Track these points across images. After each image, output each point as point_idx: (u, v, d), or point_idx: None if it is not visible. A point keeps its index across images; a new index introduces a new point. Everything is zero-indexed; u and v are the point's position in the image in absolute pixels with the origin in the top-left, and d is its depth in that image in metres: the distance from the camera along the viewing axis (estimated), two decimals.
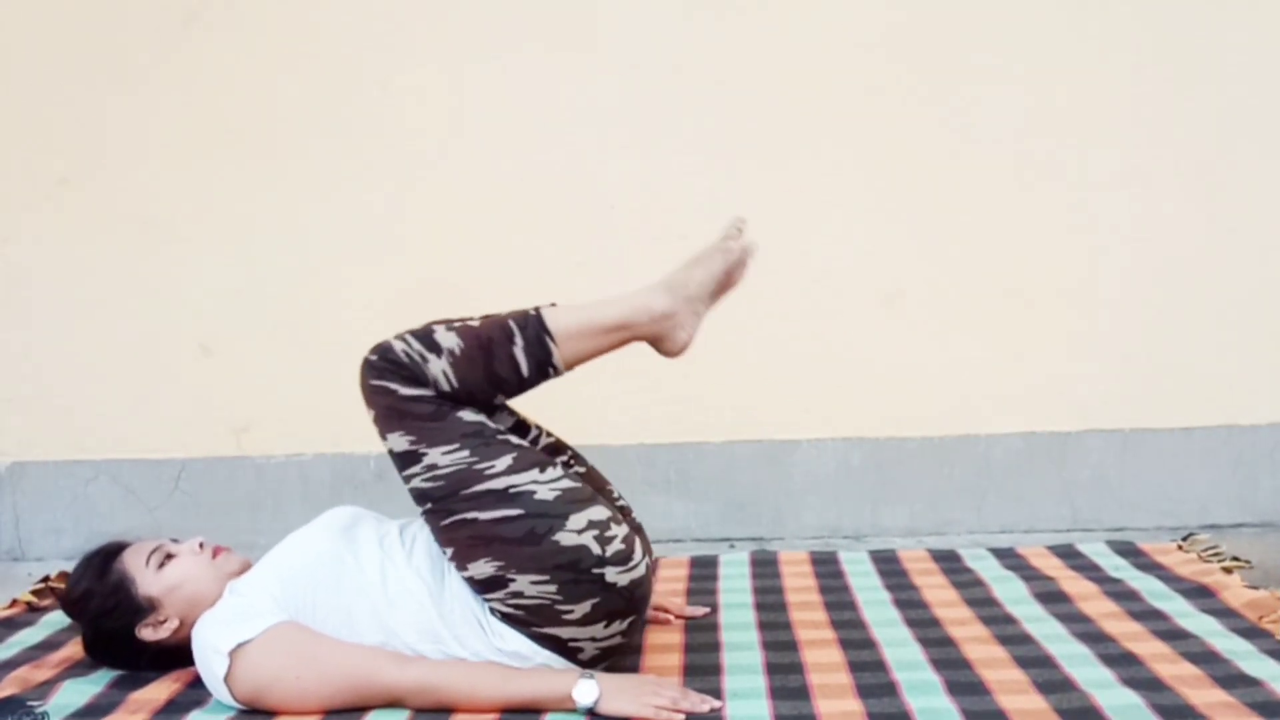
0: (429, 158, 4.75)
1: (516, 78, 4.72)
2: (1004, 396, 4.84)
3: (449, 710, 2.99)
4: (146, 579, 3.20)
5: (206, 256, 4.69)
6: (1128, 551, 4.35)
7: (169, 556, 3.26)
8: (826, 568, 4.28)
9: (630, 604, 3.10)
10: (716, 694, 3.00)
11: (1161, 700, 2.94)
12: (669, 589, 4.05)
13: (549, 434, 3.46)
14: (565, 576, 2.99)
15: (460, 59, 4.74)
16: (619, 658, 3.21)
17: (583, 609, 3.02)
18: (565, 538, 3.00)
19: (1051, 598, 3.84)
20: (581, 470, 3.41)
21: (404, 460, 3.10)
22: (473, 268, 4.74)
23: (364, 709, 3.02)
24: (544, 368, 3.19)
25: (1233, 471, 4.82)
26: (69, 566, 4.33)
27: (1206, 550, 4.27)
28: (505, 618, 3.05)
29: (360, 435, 4.71)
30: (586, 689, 2.94)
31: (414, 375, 3.06)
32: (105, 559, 3.27)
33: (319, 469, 4.77)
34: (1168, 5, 4.71)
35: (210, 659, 3.01)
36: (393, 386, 3.07)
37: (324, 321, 4.66)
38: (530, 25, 4.72)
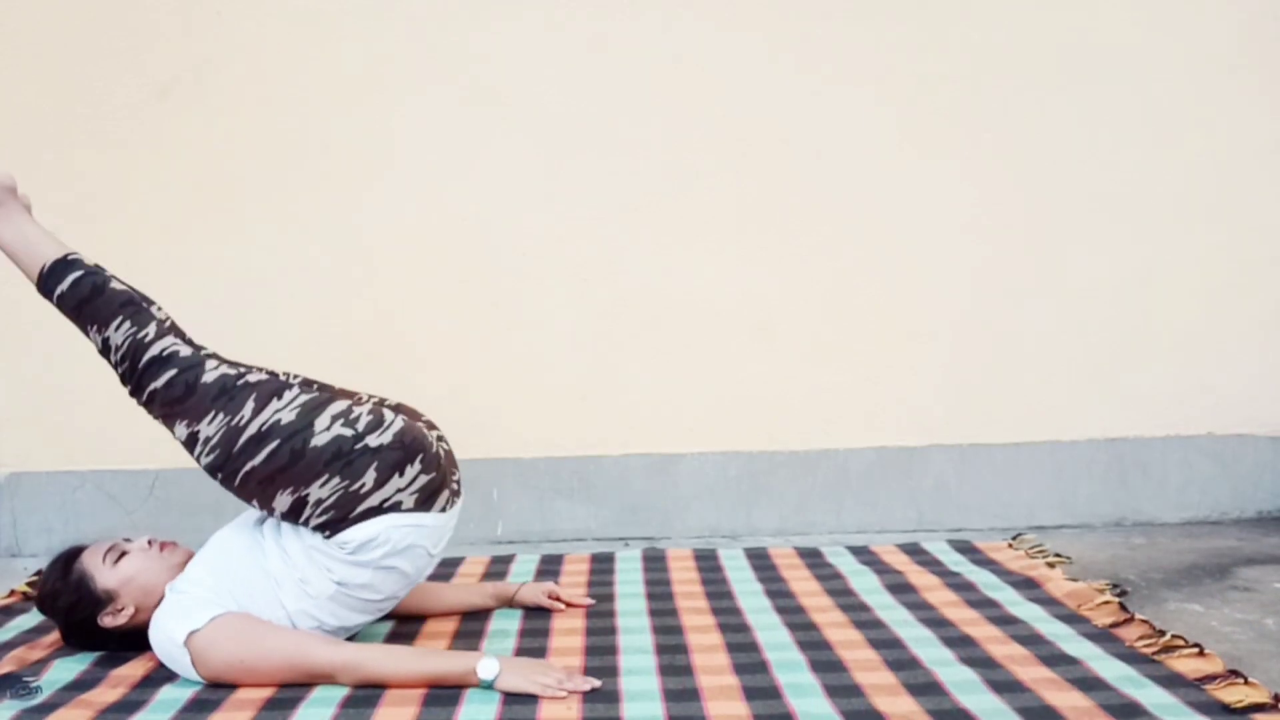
0: (363, 210, 4.73)
1: (440, 140, 4.71)
2: (859, 416, 4.86)
3: (376, 685, 2.98)
4: (103, 574, 3.20)
5: (176, 295, 4.64)
6: (965, 549, 4.36)
7: (122, 554, 3.26)
8: (708, 563, 4.27)
9: (406, 449, 3.12)
10: (614, 693, 2.96)
11: (994, 677, 2.96)
12: (574, 581, 4.03)
13: (285, 372, 3.39)
14: (339, 464, 3.04)
15: (390, 124, 4.73)
16: (447, 496, 3.23)
17: (370, 476, 3.06)
18: (319, 439, 3.06)
19: (900, 589, 3.85)
20: (317, 383, 3.37)
21: (188, 445, 3.16)
22: (403, 307, 4.72)
23: (311, 684, 3.02)
24: (79, 270, 3.28)
25: (1055, 480, 4.86)
26: None
27: (1033, 548, 4.29)
28: (327, 526, 3.08)
29: None
30: (488, 666, 2.95)
31: (136, 350, 3.19)
32: (66, 561, 3.27)
33: None
34: (1004, 78, 4.75)
35: (172, 653, 3.05)
36: (149, 386, 3.17)
37: (276, 352, 4.63)
38: (454, 98, 4.71)
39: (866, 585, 3.91)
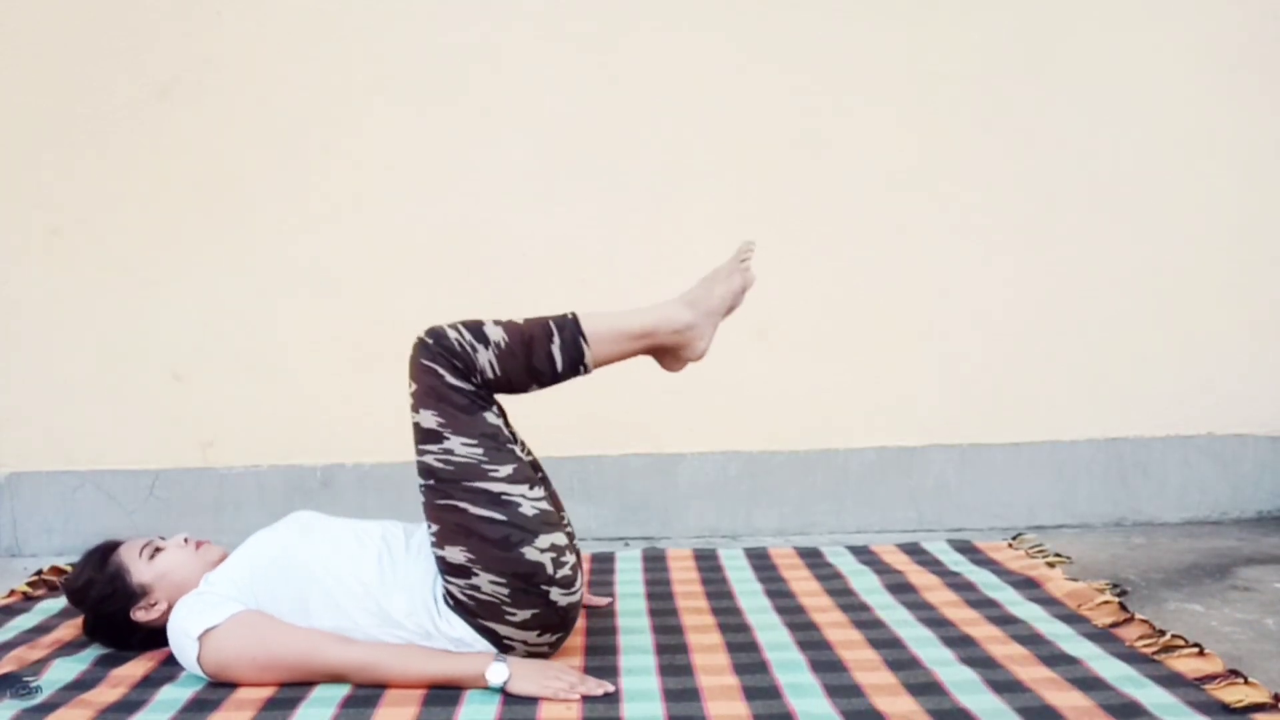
0: (363, 209, 4.72)
1: (440, 140, 4.71)
2: (860, 416, 4.86)
3: (384, 686, 2.99)
4: (139, 568, 3.23)
5: (177, 296, 4.66)
6: (965, 549, 4.36)
7: (158, 550, 3.29)
8: (708, 563, 4.27)
9: (563, 623, 3.12)
10: (614, 693, 2.95)
11: (994, 676, 2.96)
12: None
13: (529, 452, 3.42)
14: (519, 585, 3.01)
15: (390, 123, 4.72)
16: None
17: (524, 615, 3.03)
18: (530, 553, 3.01)
19: (900, 588, 3.85)
20: (550, 493, 3.38)
21: (426, 436, 3.09)
22: (402, 306, 4.71)
23: (310, 683, 3.03)
24: (576, 365, 3.19)
25: (1055, 480, 4.86)
26: (59, 562, 4.37)
27: (1033, 548, 4.29)
28: (457, 604, 3.05)
29: (309, 449, 4.74)
30: (498, 670, 2.94)
31: (463, 361, 3.07)
32: (104, 553, 3.30)
33: (273, 478, 4.74)
34: (1004, 78, 4.75)
35: (182, 643, 3.05)
36: (440, 370, 3.07)
37: (277, 352, 4.64)
38: (452, 98, 4.71)
39: (866, 585, 3.91)
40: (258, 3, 4.68)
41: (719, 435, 4.84)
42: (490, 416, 3.12)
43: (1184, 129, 4.80)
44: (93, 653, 3.34)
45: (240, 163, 4.71)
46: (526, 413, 4.77)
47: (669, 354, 3.43)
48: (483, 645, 3.06)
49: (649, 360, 4.65)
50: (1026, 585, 3.83)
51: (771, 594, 3.84)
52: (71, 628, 3.56)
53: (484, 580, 3.01)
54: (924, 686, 2.92)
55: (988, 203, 4.80)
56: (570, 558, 3.12)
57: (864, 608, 3.65)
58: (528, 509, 3.05)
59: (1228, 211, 4.82)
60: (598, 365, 3.26)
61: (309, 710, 2.86)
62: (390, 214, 4.74)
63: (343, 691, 2.97)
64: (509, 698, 2.91)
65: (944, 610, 3.58)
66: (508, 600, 3.01)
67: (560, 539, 3.09)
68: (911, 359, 4.84)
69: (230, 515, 4.68)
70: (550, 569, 3.03)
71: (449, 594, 3.06)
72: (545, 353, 3.13)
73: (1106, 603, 3.51)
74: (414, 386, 3.12)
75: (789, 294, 4.77)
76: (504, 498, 3.03)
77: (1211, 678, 2.88)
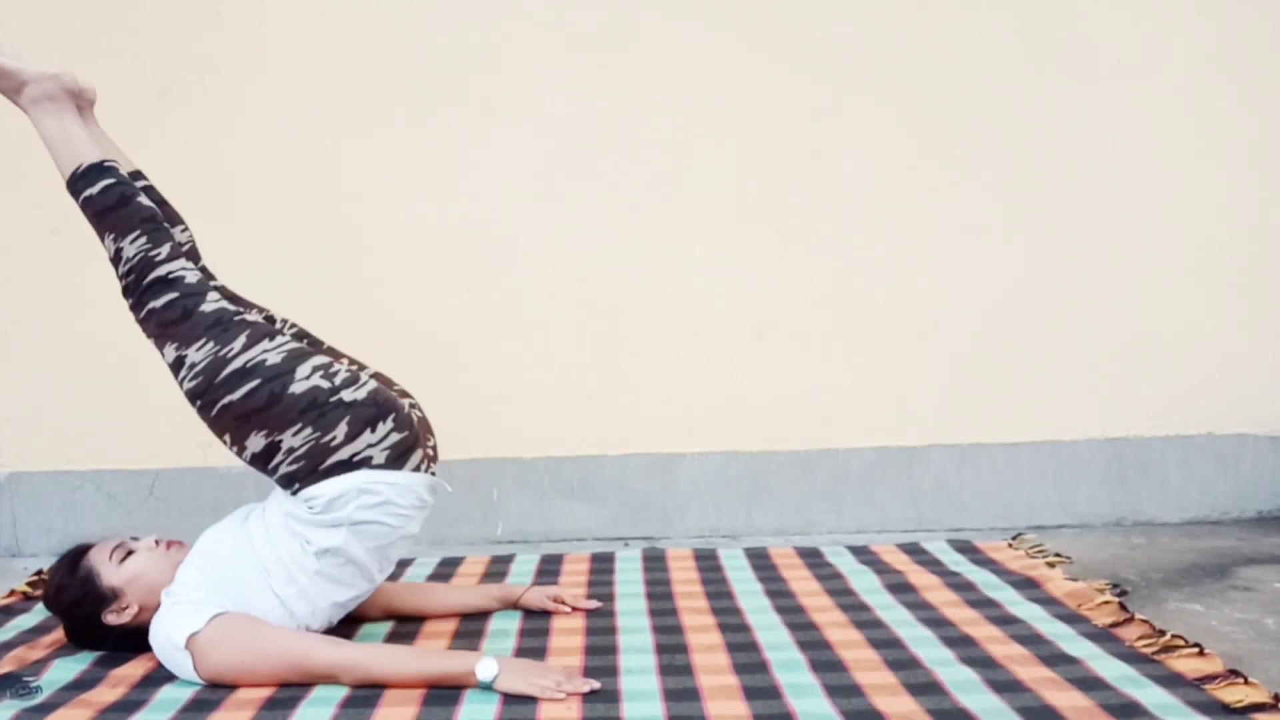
0: (363, 209, 4.73)
1: (439, 140, 4.71)
2: (859, 416, 4.86)
3: (375, 685, 2.98)
4: (109, 572, 3.22)
5: None
6: (965, 549, 4.36)
7: (129, 553, 3.27)
8: (708, 563, 4.27)
9: (379, 407, 3.18)
10: (614, 693, 2.96)
11: (994, 676, 2.96)
12: (574, 581, 4.03)
13: (264, 311, 3.52)
14: (312, 415, 3.10)
15: (390, 123, 4.73)
16: (420, 456, 3.26)
17: (342, 430, 3.11)
18: (297, 386, 3.12)
19: (900, 588, 3.85)
20: (300, 332, 3.50)
21: (175, 368, 3.21)
22: (404, 305, 4.72)
23: (310, 684, 3.02)
24: (96, 173, 3.34)
25: (1055, 480, 4.86)
26: None
27: (1033, 548, 4.29)
28: (296, 478, 3.13)
29: None
30: (487, 667, 2.94)
31: (145, 267, 3.24)
32: (74, 559, 3.29)
33: None
34: (1004, 78, 4.75)
35: (174, 656, 3.05)
36: (148, 304, 3.22)
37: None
38: (452, 98, 4.72)
39: (866, 585, 3.90)
40: (258, 3, 4.69)
41: (719, 435, 4.84)
42: (206, 305, 3.24)
43: (1184, 129, 4.80)
44: (92, 653, 3.33)
45: (240, 162, 4.72)
46: (527, 413, 4.79)
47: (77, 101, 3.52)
48: (354, 482, 3.11)
49: (647, 360, 4.69)
50: (1026, 585, 3.83)
51: (771, 594, 3.84)
52: None
53: (289, 439, 3.10)
54: (924, 686, 2.92)
55: (987, 203, 4.80)
56: (340, 365, 3.26)
57: (864, 608, 3.64)
58: (273, 358, 3.17)
59: (1228, 211, 4.82)
60: (94, 154, 3.40)
61: (309, 710, 2.86)
62: (390, 214, 4.74)
63: (342, 692, 2.96)
64: (508, 698, 2.90)
65: (944, 610, 3.58)
66: (318, 433, 3.10)
67: (320, 359, 3.22)
68: (911, 359, 4.84)
69: (229, 514, 4.69)
70: (325, 383, 3.15)
71: (285, 478, 3.15)
72: (94, 198, 3.33)
73: (1106, 603, 3.51)
74: (153, 342, 3.27)
75: (789, 294, 4.78)
76: (249, 365, 3.14)
77: (1211, 678, 2.88)
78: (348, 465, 3.11)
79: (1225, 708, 2.71)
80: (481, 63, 4.71)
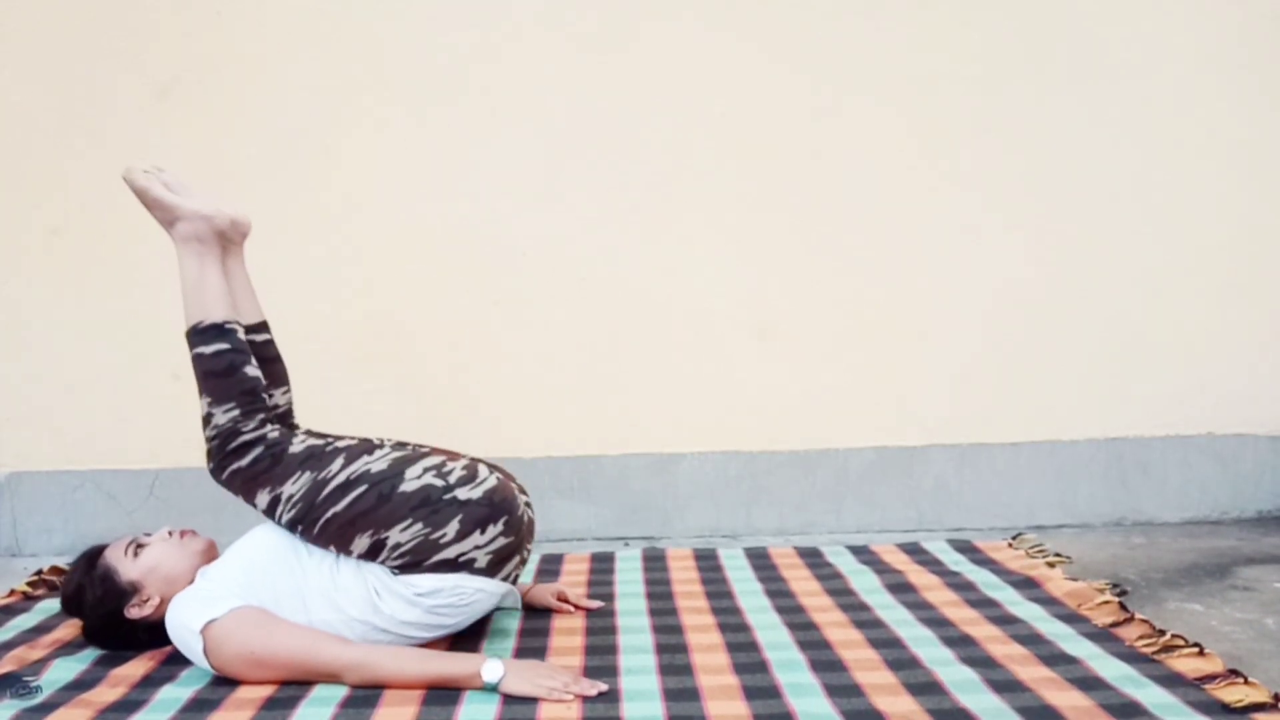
0: (363, 209, 4.73)
1: (439, 140, 4.71)
2: (859, 416, 4.86)
3: (380, 686, 2.98)
4: (126, 567, 3.23)
5: (176, 295, 4.63)
6: (965, 549, 4.36)
7: (142, 546, 3.28)
8: (708, 563, 4.27)
9: (494, 508, 3.14)
10: (613, 692, 2.95)
11: (994, 676, 2.96)
12: (574, 581, 4.03)
13: (376, 441, 3.44)
14: (424, 512, 3.07)
15: (389, 123, 4.73)
16: (518, 564, 3.26)
17: (453, 528, 3.08)
18: (408, 485, 3.10)
19: (900, 588, 3.85)
20: (402, 444, 3.42)
21: (270, 510, 3.21)
22: (404, 305, 4.72)
23: (310, 683, 3.02)
24: (218, 333, 3.35)
25: (1055, 480, 4.86)
26: (60, 562, 4.37)
27: (1033, 548, 4.29)
28: (402, 569, 3.09)
29: None
30: (492, 669, 2.94)
31: (229, 439, 3.23)
32: (90, 559, 3.31)
33: None
34: (1004, 79, 4.75)
35: (186, 638, 3.05)
36: (232, 465, 3.22)
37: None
38: (452, 98, 4.72)
39: (866, 585, 3.91)
40: (258, 3, 4.68)
41: (719, 435, 4.84)
42: (294, 447, 3.25)
43: (1184, 129, 4.80)
44: (92, 652, 3.33)
45: (240, 163, 4.71)
46: (527, 413, 4.79)
47: (225, 239, 3.57)
48: (453, 582, 3.10)
49: (648, 360, 4.69)
50: (1026, 585, 3.83)
51: (771, 594, 3.84)
52: (71, 628, 3.55)
53: (396, 535, 3.08)
54: (924, 686, 2.92)
55: (987, 203, 4.80)
56: (455, 464, 3.21)
57: (864, 607, 3.64)
58: (378, 465, 3.16)
59: (1228, 211, 4.82)
60: (225, 309, 3.41)
61: (309, 710, 2.86)
62: (390, 214, 4.74)
63: (342, 691, 2.96)
64: (508, 698, 2.90)
65: (944, 610, 3.58)
66: (428, 530, 3.07)
67: (432, 460, 3.19)
68: (911, 359, 4.84)
69: (230, 515, 4.66)
70: (439, 481, 3.12)
71: (393, 570, 3.11)
72: (208, 361, 3.31)
73: (1106, 602, 3.51)
74: (241, 498, 3.28)
75: (789, 294, 4.78)
76: (352, 477, 3.14)
77: (1211, 677, 2.88)
78: (451, 564, 3.09)
79: (1225, 707, 2.71)
80: (481, 63, 4.71)
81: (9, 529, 4.79)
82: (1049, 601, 3.64)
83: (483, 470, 3.21)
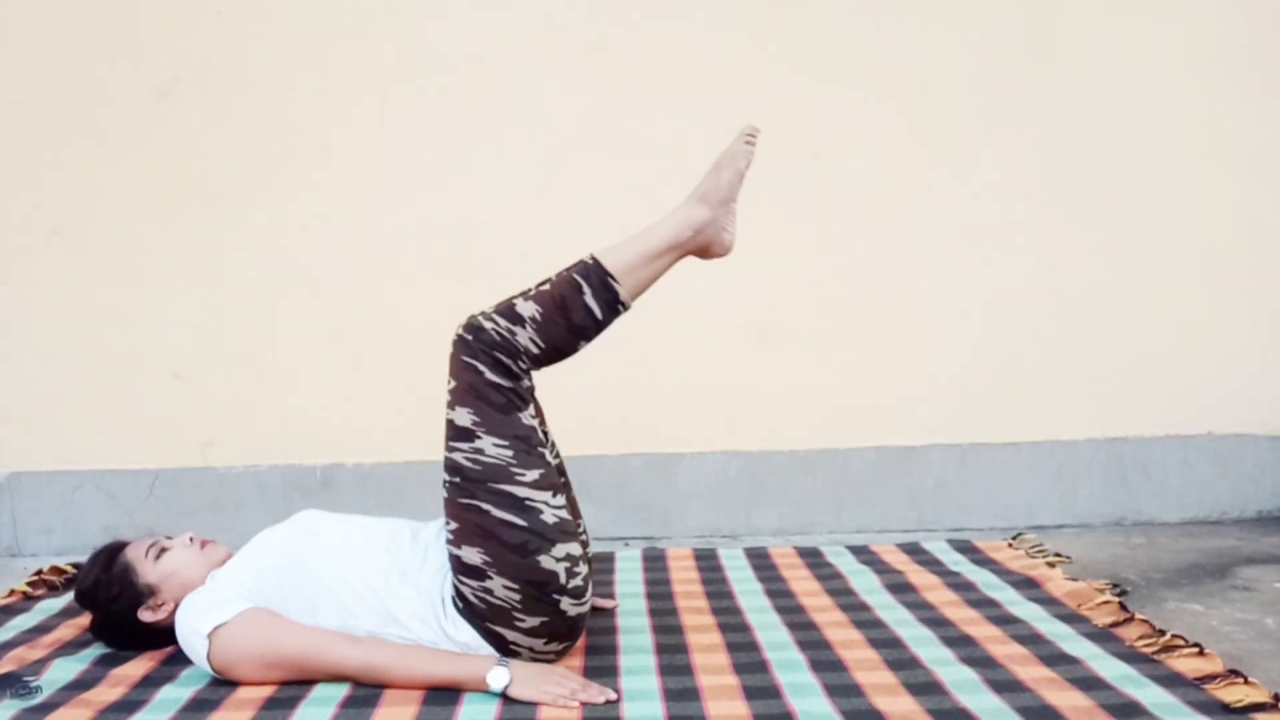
0: (363, 210, 4.73)
1: (441, 143, 4.71)
2: (859, 416, 4.86)
3: (386, 686, 2.98)
4: (146, 568, 3.23)
5: (177, 296, 4.67)
6: (965, 549, 4.36)
7: (164, 550, 3.29)
8: (708, 563, 4.27)
9: (571, 632, 3.12)
10: (613, 690, 2.96)
11: (994, 676, 2.96)
12: None
13: (558, 455, 3.42)
14: (532, 592, 3.00)
15: (389, 124, 4.73)
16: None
17: (533, 622, 3.03)
18: (546, 561, 3.00)
19: (900, 588, 3.86)
20: (571, 499, 3.36)
21: (459, 434, 3.07)
22: (401, 306, 4.72)
23: (310, 683, 3.03)
24: (614, 306, 3.17)
25: (1055, 480, 4.86)
26: (59, 562, 4.37)
27: (1033, 548, 4.29)
28: (467, 607, 3.05)
29: (308, 448, 4.73)
30: (499, 674, 2.93)
31: (505, 350, 3.06)
32: (110, 554, 3.30)
33: (273, 478, 4.74)
34: (1004, 78, 4.75)
35: (192, 640, 3.04)
36: (480, 367, 3.06)
37: (277, 351, 4.64)
38: (452, 99, 4.72)
39: (866, 585, 3.91)
40: (257, 3, 4.68)
41: (719, 435, 4.84)
42: (525, 418, 3.11)
43: (1185, 129, 4.80)
44: (92, 652, 3.34)
45: (240, 163, 4.71)
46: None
47: (698, 254, 3.46)
48: (488, 650, 3.06)
49: (647, 359, 4.68)
50: (1026, 585, 3.83)
51: (771, 594, 3.84)
52: (72, 628, 3.56)
53: (497, 584, 3.00)
54: (924, 686, 2.92)
55: (988, 203, 4.80)
56: (583, 569, 3.11)
57: (864, 607, 3.65)
58: (549, 516, 3.04)
59: (1228, 211, 4.82)
60: (635, 296, 3.27)
61: (309, 710, 2.86)
62: (390, 213, 4.74)
63: (342, 691, 2.96)
64: (508, 699, 2.90)
65: (944, 610, 3.58)
66: (519, 606, 3.01)
67: (576, 549, 3.09)
68: (911, 359, 4.84)
69: (230, 515, 4.69)
70: (564, 579, 3.03)
71: (459, 594, 3.06)
72: (581, 307, 3.12)
73: (1106, 602, 3.51)
74: (453, 383, 3.10)
75: (789, 294, 4.78)
76: (527, 503, 3.02)
77: (1211, 677, 2.88)
78: (501, 643, 3.06)
79: (1225, 707, 2.72)
80: (481, 63, 4.71)
81: (9, 529, 4.79)
82: (1049, 601, 3.64)
83: (589, 592, 3.15)
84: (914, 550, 4.37)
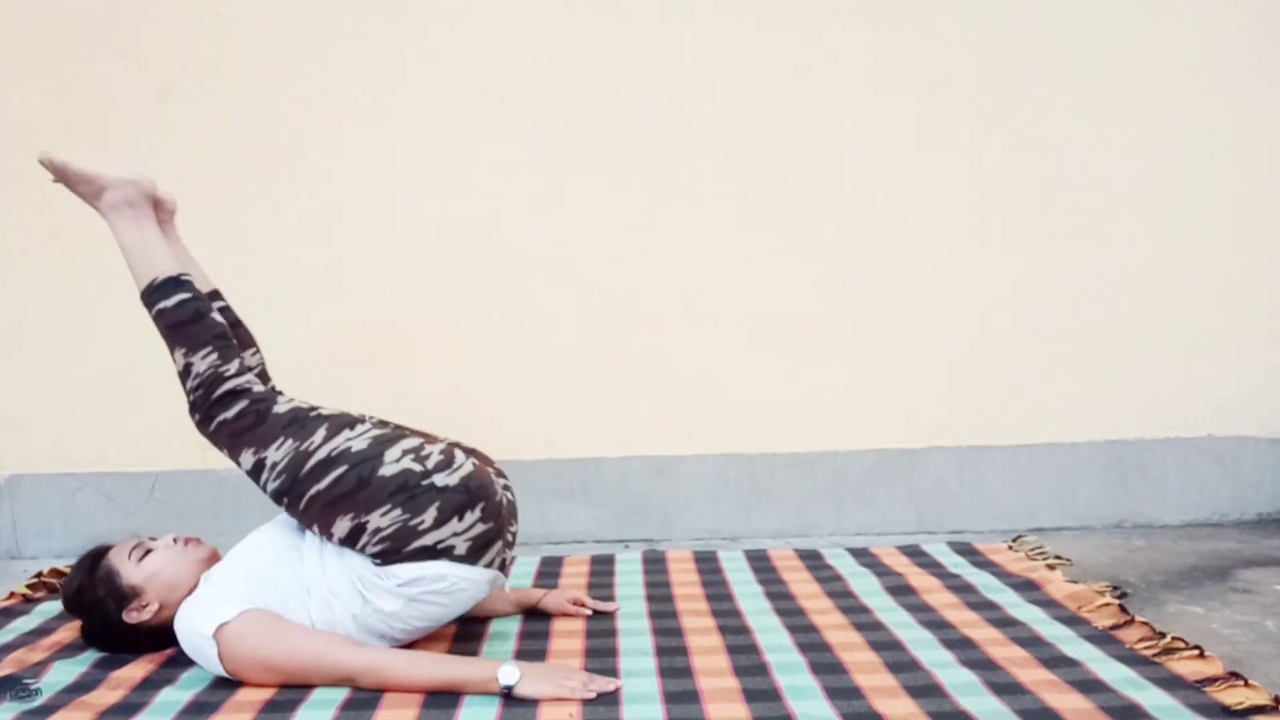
0: (363, 211, 4.73)
1: (440, 144, 4.71)
2: (859, 418, 4.86)
3: (391, 690, 2.98)
4: (129, 570, 3.23)
5: None
6: (965, 551, 4.36)
7: (147, 551, 3.29)
8: (708, 565, 4.27)
9: (470, 495, 3.14)
10: (614, 694, 2.95)
11: (994, 679, 2.96)
12: (574, 584, 4.04)
13: (381, 422, 3.44)
14: (402, 497, 3.07)
15: (389, 125, 4.74)
16: (499, 548, 3.23)
17: (430, 515, 3.07)
18: (387, 469, 3.10)
19: (900, 590, 3.86)
20: (383, 422, 3.42)
21: (255, 473, 3.22)
22: (404, 307, 4.72)
23: (311, 685, 3.03)
24: (176, 283, 3.40)
25: (1055, 482, 4.86)
26: (59, 564, 4.37)
27: (1033, 550, 4.29)
28: (381, 556, 3.10)
29: None
30: (508, 672, 2.93)
31: (211, 385, 3.25)
32: (93, 559, 3.31)
33: None
34: (1005, 78, 4.75)
35: (199, 645, 3.05)
36: (220, 418, 3.24)
37: (277, 354, 4.63)
38: (452, 99, 4.72)
39: (866, 587, 3.91)
40: (257, 3, 4.69)
41: (719, 437, 4.85)
42: (279, 407, 3.26)
43: (1185, 130, 4.80)
44: (92, 655, 3.33)
45: (239, 164, 4.72)
46: (527, 415, 4.79)
47: (144, 206, 3.60)
48: (434, 570, 3.09)
49: (647, 362, 4.69)
50: (1027, 587, 3.83)
51: (771, 596, 3.84)
52: (71, 630, 3.55)
53: (376, 520, 3.08)
54: (924, 689, 2.92)
55: (987, 204, 4.80)
56: (433, 448, 3.21)
57: (864, 610, 3.64)
58: (359, 443, 3.16)
59: (1228, 213, 4.82)
60: (172, 262, 3.46)
61: (308, 713, 2.86)
62: (390, 215, 4.75)
63: (342, 694, 2.96)
64: (508, 700, 2.90)
65: (944, 612, 3.58)
66: (406, 516, 3.07)
67: (410, 442, 3.20)
68: (911, 360, 4.84)
69: (230, 518, 4.68)
70: (417, 466, 3.12)
71: (373, 558, 3.12)
72: (174, 312, 3.36)
73: (1107, 605, 3.51)
74: (226, 452, 3.30)
75: (789, 296, 4.78)
76: (333, 454, 3.14)
77: (1212, 680, 2.88)
78: (430, 552, 3.08)
79: (1225, 710, 2.71)
80: (481, 64, 4.71)
81: (9, 531, 4.79)
82: (1049, 604, 3.64)
83: (459, 455, 3.22)
84: (914, 552, 4.37)
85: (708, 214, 4.77)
